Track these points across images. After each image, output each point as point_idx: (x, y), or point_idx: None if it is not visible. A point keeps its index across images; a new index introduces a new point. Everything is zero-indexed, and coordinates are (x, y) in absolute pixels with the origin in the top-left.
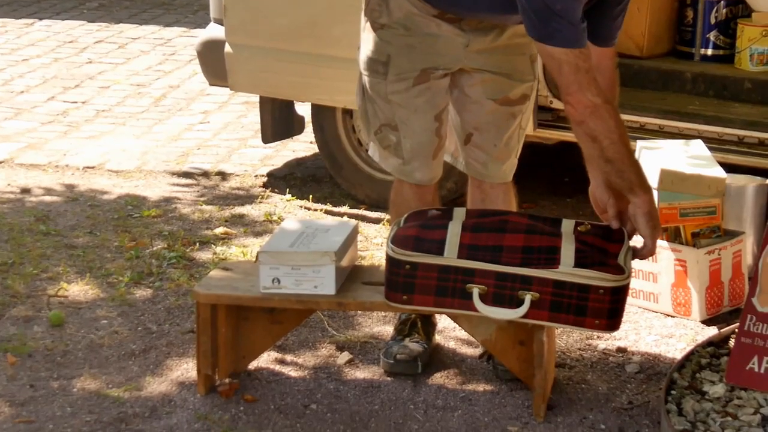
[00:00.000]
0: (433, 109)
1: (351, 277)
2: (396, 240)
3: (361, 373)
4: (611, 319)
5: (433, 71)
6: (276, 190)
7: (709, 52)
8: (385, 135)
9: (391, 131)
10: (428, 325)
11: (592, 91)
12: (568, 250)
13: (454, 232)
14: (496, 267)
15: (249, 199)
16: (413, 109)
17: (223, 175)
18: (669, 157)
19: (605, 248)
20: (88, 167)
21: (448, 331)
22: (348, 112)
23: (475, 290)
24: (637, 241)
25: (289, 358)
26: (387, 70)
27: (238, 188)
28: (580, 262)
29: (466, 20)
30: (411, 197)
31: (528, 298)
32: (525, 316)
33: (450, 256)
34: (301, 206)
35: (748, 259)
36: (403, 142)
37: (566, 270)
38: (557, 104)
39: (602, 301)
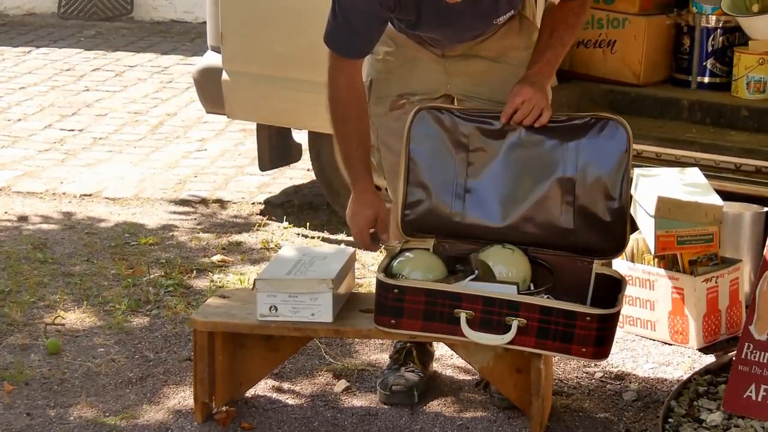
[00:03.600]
0: None
1: (348, 304)
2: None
3: (359, 401)
4: (598, 347)
5: (410, 96)
6: (273, 218)
7: (706, 79)
8: (373, 155)
9: (376, 152)
10: (424, 354)
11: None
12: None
13: None
14: (483, 292)
15: (246, 226)
16: (390, 133)
17: (221, 203)
18: (666, 184)
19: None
20: (85, 195)
21: (445, 359)
22: None
23: (463, 315)
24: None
25: (286, 385)
26: (369, 93)
27: (236, 216)
28: None
29: (447, 47)
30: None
31: (515, 323)
32: (512, 342)
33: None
34: (298, 233)
35: (745, 287)
36: (383, 163)
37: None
38: None
39: (589, 329)
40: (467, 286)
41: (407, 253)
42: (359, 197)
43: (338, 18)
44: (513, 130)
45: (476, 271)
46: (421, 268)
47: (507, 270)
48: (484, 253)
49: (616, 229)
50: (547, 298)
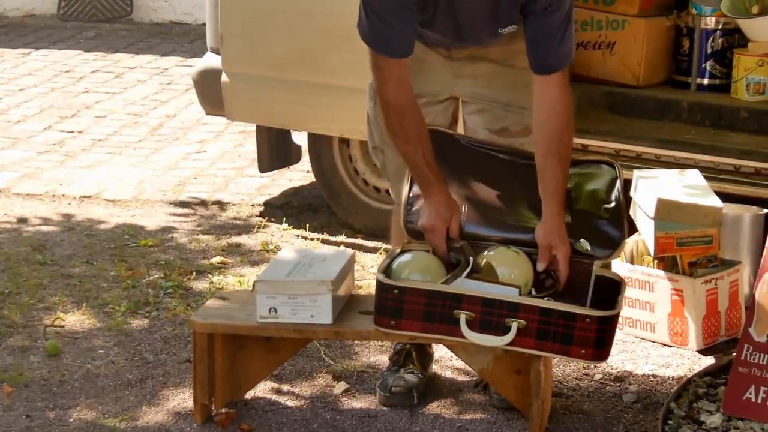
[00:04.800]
0: None
1: (348, 306)
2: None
3: (358, 403)
4: (598, 349)
5: (417, 98)
6: (273, 220)
7: (706, 81)
8: (377, 156)
9: (380, 153)
10: (424, 356)
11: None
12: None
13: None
14: (483, 293)
15: (246, 228)
16: None
17: (220, 205)
18: (665, 186)
19: None
20: (84, 197)
21: (445, 361)
22: (345, 141)
23: (462, 316)
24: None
25: (285, 387)
26: (375, 95)
27: (235, 217)
28: None
29: (455, 49)
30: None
31: (515, 325)
32: (511, 344)
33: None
34: (297, 235)
35: (745, 289)
36: (387, 165)
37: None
38: None
39: (589, 330)
40: (466, 285)
41: (406, 255)
42: (436, 199)
43: (372, 17)
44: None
45: (470, 259)
46: (419, 270)
47: (509, 272)
48: (489, 254)
49: (614, 228)
50: (547, 300)
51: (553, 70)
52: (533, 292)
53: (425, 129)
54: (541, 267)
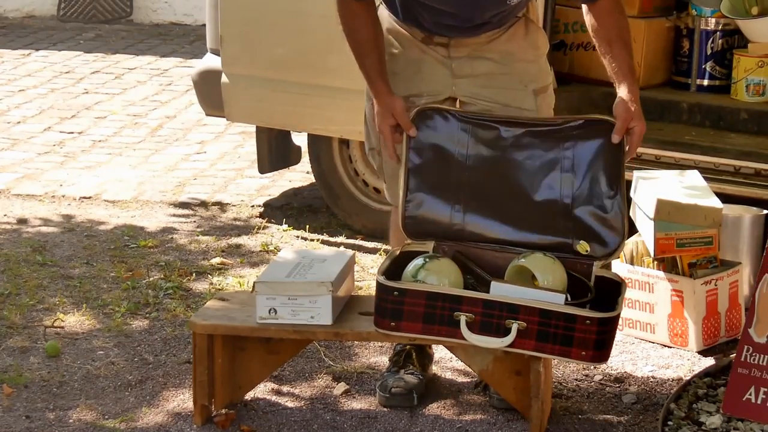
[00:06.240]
0: None
1: (348, 307)
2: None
3: (358, 404)
4: (598, 351)
5: (416, 98)
6: (273, 221)
7: (706, 82)
8: (374, 158)
9: (376, 155)
10: (423, 356)
11: None
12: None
13: None
14: (483, 295)
15: (246, 229)
16: None
17: (220, 206)
18: (665, 187)
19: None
20: (84, 198)
21: (445, 362)
22: (344, 142)
23: (463, 318)
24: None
25: (285, 388)
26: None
27: (235, 218)
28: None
29: (454, 47)
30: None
31: (515, 327)
32: (511, 345)
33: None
34: (297, 236)
35: (744, 290)
36: (384, 167)
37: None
38: None
39: (589, 332)
40: (508, 291)
41: (425, 260)
42: (376, 100)
43: None
44: (511, 133)
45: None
46: (443, 275)
47: (544, 278)
48: (525, 260)
49: (615, 226)
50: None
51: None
52: (569, 299)
53: (379, 31)
54: (616, 139)
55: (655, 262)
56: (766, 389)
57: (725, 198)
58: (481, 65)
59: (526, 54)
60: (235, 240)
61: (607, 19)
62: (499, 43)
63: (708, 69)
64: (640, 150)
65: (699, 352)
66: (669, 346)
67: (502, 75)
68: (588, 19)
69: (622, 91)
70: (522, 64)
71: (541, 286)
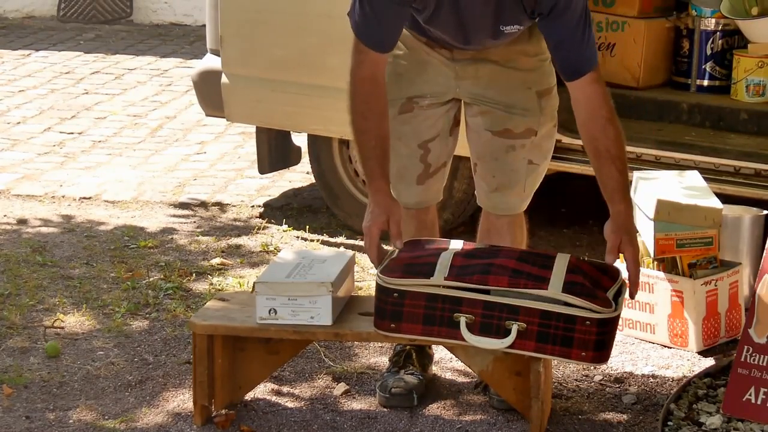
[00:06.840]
0: (417, 137)
1: (348, 307)
2: (386, 268)
3: (358, 404)
4: (598, 352)
5: (420, 99)
6: (273, 221)
7: (705, 83)
8: None
9: None
10: (423, 357)
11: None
12: (557, 278)
13: (446, 257)
14: (483, 296)
15: (246, 229)
16: (398, 136)
17: (220, 206)
18: (665, 187)
19: (598, 280)
20: (84, 198)
21: (445, 362)
22: (344, 143)
23: (462, 319)
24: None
25: (285, 389)
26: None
27: (235, 219)
28: (568, 289)
29: (457, 50)
30: (407, 219)
31: (515, 328)
32: (512, 347)
33: (438, 278)
34: (297, 237)
35: (744, 290)
36: (390, 165)
37: (553, 294)
38: (558, 136)
39: (589, 333)
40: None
41: None
42: (373, 198)
43: (365, 8)
44: None
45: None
46: None
47: None
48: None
49: None
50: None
51: (582, 73)
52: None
53: (386, 124)
54: (609, 259)
55: (655, 263)
56: (766, 389)
57: (725, 198)
58: (485, 67)
59: (529, 56)
60: (235, 240)
61: (589, 112)
62: (502, 46)
63: (708, 69)
64: (640, 150)
65: (699, 353)
66: (669, 347)
67: (506, 77)
68: (582, 133)
69: (611, 212)
70: (525, 66)
71: None
